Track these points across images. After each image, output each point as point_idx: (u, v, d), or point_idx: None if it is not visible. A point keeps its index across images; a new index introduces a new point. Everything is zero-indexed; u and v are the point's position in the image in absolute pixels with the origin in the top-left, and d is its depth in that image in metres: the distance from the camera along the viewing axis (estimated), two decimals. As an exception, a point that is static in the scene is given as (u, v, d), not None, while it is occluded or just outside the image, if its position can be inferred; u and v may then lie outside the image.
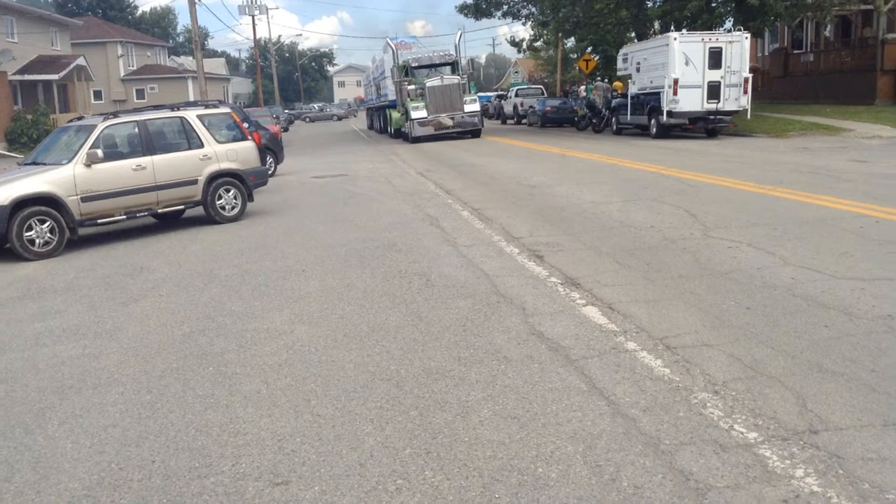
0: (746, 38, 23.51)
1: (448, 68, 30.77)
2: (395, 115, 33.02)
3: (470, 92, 31.71)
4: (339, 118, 76.48)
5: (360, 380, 4.74)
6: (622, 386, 4.34)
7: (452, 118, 29.11)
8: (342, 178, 17.89)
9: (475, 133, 30.08)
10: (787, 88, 37.34)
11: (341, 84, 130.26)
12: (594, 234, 8.79)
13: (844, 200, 9.99)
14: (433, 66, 31.07)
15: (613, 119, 28.33)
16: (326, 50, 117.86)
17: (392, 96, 33.14)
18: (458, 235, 9.28)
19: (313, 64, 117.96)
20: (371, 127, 47.05)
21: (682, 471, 3.40)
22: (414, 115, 28.76)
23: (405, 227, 10.10)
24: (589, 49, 37.70)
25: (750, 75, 23.79)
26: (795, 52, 39.28)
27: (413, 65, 31.15)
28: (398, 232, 9.78)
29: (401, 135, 32.41)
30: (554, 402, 4.19)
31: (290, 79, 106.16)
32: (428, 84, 28.92)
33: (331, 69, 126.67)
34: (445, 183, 15.14)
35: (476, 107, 29.88)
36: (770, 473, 3.34)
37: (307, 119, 75.60)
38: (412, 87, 29.67)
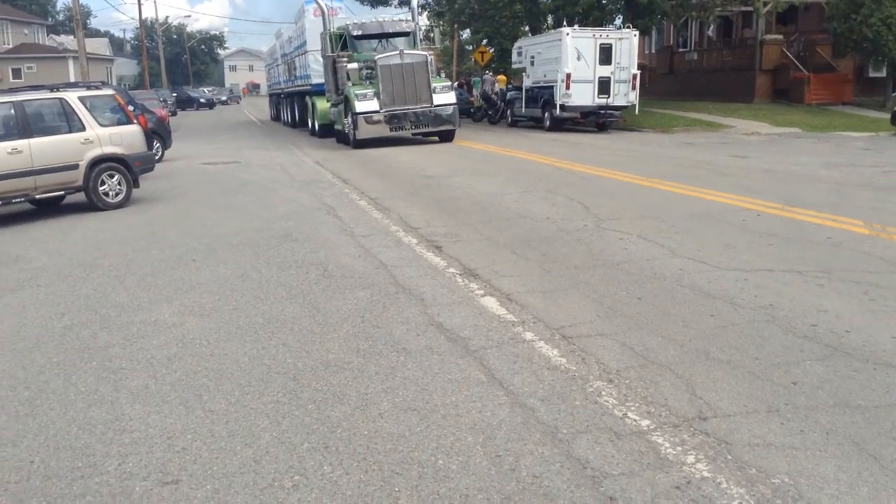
0: (635, 35, 24.26)
1: (403, 40, 21.61)
2: (323, 105, 23.90)
3: (440, 75, 23.84)
4: (215, 104, 68.90)
5: (255, 373, 4.60)
6: (520, 376, 4.38)
7: (416, 113, 19.74)
8: (235, 165, 17.41)
9: (447, 136, 20.85)
10: (672, 85, 38.80)
11: (233, 68, 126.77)
12: (491, 224, 8.86)
13: (727, 194, 10.44)
14: (383, 38, 21.81)
15: (508, 111, 28.69)
16: (217, 33, 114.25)
17: (317, 79, 24.32)
18: (355, 225, 9.17)
19: (203, 47, 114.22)
20: (277, 118, 38.21)
21: (580, 459, 3.45)
22: (360, 106, 19.28)
23: (301, 217, 9.91)
24: (484, 41, 38.09)
25: (638, 72, 24.57)
26: (680, 50, 40.90)
27: (355, 33, 21.71)
28: (294, 221, 9.58)
29: (331, 132, 23.36)
30: (454, 394, 4.18)
31: (179, 61, 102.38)
32: (381, 62, 19.47)
33: (221, 53, 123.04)
34: (342, 172, 14.95)
35: (450, 97, 20.47)
36: (663, 460, 3.43)
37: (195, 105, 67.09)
38: (354, 65, 20.45)
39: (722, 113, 28.13)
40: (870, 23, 26.90)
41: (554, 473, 3.34)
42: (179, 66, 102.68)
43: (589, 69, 23.47)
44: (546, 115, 24.82)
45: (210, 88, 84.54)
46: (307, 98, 26.69)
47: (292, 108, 32.37)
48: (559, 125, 24.34)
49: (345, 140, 21.19)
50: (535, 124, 26.15)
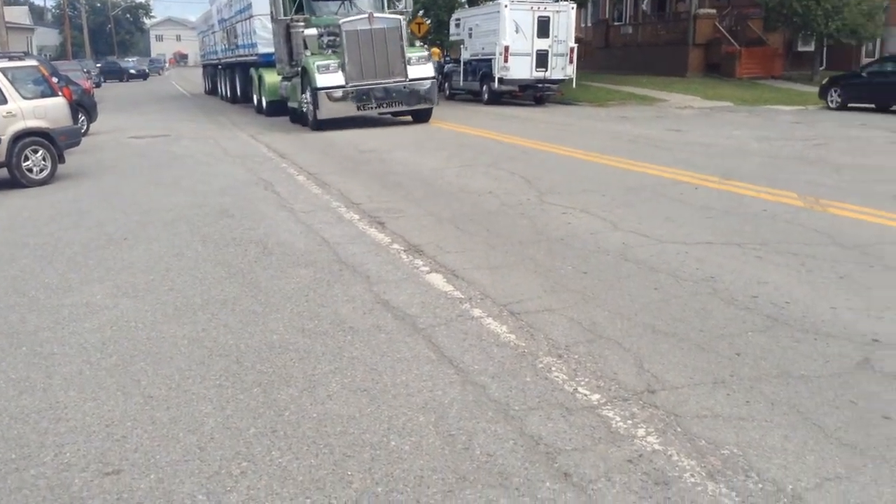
0: (572, 8, 24.30)
1: (368, 2, 18.45)
2: (272, 78, 20.77)
3: (416, 44, 21.22)
4: (148, 74, 65.51)
5: (196, 356, 4.45)
6: (470, 353, 4.34)
7: (388, 89, 16.80)
8: (165, 138, 16.89)
9: (424, 115, 18.06)
10: (608, 59, 39.09)
11: (159, 38, 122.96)
12: (434, 199, 8.78)
13: (665, 167, 10.57)
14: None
15: (446, 84, 28.52)
16: (143, 1, 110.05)
17: (265, 47, 21.23)
18: (295, 201, 8.98)
19: (128, 16, 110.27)
20: (213, 91, 34.48)
21: (533, 436, 3.43)
22: (321, 80, 16.23)
23: (238, 192, 9.66)
24: (420, 12, 37.71)
25: (575, 45, 24.65)
26: (616, 24, 41.20)
27: None
28: (230, 197, 9.33)
29: (282, 110, 20.20)
30: (403, 373, 4.12)
31: (103, 31, 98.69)
32: (346, 27, 16.46)
33: (147, 22, 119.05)
34: (279, 147, 14.64)
35: (429, 69, 17.56)
36: (614, 434, 3.44)
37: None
38: (312, 31, 17.32)
39: (656, 87, 28.49)
40: (799, -2, 27.47)
41: (508, 451, 3.31)
42: (103, 35, 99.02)
43: (527, 42, 23.43)
44: (484, 88, 24.74)
45: (133, 58, 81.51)
46: (252, 70, 23.57)
47: (232, 81, 28.20)
48: (497, 98, 24.30)
49: (301, 120, 18.12)
50: (473, 97, 26.06)
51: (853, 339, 4.39)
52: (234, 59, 26.59)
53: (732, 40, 32.42)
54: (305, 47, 17.36)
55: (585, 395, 3.82)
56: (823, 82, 23.01)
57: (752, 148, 12.97)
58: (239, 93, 26.90)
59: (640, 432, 3.45)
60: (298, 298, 5.41)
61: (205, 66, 38.24)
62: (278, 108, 20.64)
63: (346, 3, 18.20)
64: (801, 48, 33.43)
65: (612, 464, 3.20)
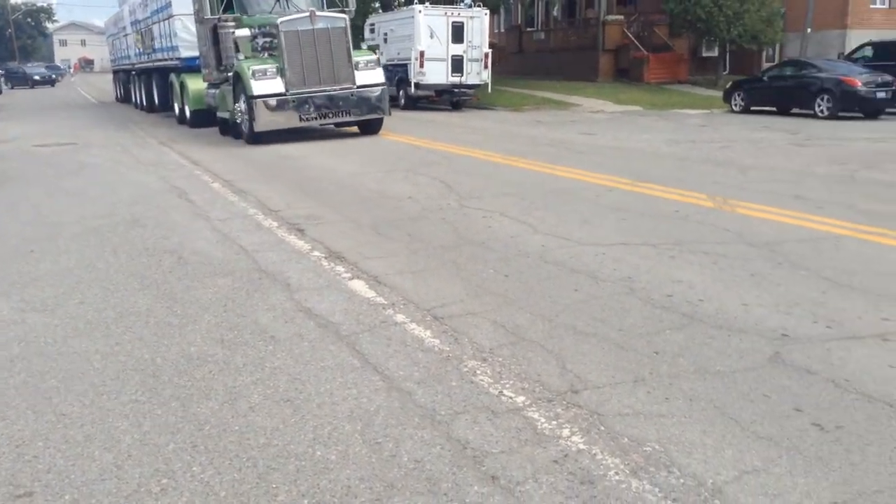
0: (486, 14, 24.59)
1: (306, 0, 16.44)
2: (197, 85, 18.62)
3: (361, 46, 20.29)
4: (56, 80, 62.48)
5: (110, 372, 4.28)
6: (395, 359, 4.32)
7: (334, 97, 15.11)
8: (72, 146, 16.26)
9: (374, 126, 16.50)
10: (521, 64, 39.70)
11: (63, 43, 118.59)
12: (354, 205, 8.72)
13: (580, 170, 10.78)
14: None
15: (362, 89, 28.34)
16: (44, 5, 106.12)
17: (188, 51, 19.07)
18: (210, 209, 8.77)
19: (29, 20, 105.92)
20: (126, 99, 31.85)
21: (459, 440, 3.43)
22: (258, 87, 14.43)
23: (150, 201, 9.37)
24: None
25: (489, 50, 24.95)
26: (528, 29, 41.88)
27: None
28: (142, 206, 9.04)
29: (209, 121, 18.15)
30: (328, 381, 4.06)
31: (2, 36, 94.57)
32: (284, 27, 14.72)
33: (50, 26, 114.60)
34: (192, 154, 14.29)
35: (379, 74, 15.94)
36: (540, 435, 3.47)
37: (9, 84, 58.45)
38: (245, 32, 15.47)
39: (569, 91, 29.07)
40: (703, 4, 28.51)
41: (435, 456, 3.30)
42: (3, 40, 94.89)
43: (442, 47, 23.58)
44: (401, 93, 24.76)
45: (33, 64, 78.08)
46: (172, 76, 21.32)
47: (149, 88, 25.81)
48: (414, 103, 24.36)
49: (232, 131, 16.39)
50: (390, 102, 26.00)
51: (764, 334, 4.55)
52: (150, 64, 24.24)
53: (640, 46, 33.39)
54: (237, 50, 15.50)
55: (510, 397, 3.84)
56: (727, 86, 23.93)
57: (663, 151, 13.37)
58: (157, 101, 24.67)
59: (565, 432, 3.49)
60: (216, 308, 5.27)
61: (116, 72, 35.56)
62: (205, 118, 18.59)
63: (279, 1, 16.26)
64: (705, 53, 34.69)
65: (538, 465, 3.22)
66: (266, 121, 14.69)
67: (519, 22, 42.97)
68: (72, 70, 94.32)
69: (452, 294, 5.45)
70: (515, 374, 4.11)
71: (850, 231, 6.95)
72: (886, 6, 31.92)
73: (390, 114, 16.61)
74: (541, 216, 7.82)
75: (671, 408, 3.69)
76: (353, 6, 17.17)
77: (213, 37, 16.06)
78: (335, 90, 15.12)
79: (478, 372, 4.14)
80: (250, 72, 14.46)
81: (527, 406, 3.75)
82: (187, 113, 20.05)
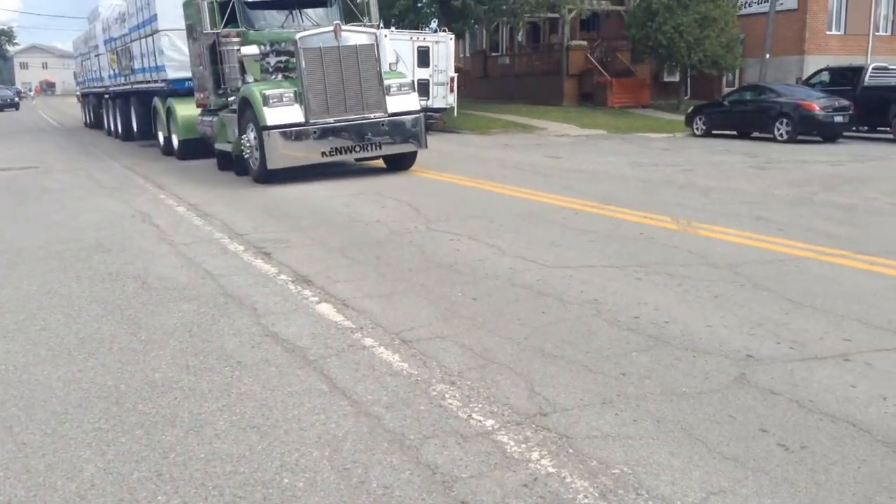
0: (451, 39, 24.81)
1: (323, 12, 14.10)
2: (186, 111, 16.41)
3: (393, 67, 17.24)
4: (17, 102, 59.17)
5: (72, 399, 4.20)
6: (363, 384, 4.29)
7: (364, 127, 12.59)
8: (33, 170, 16.02)
9: (406, 161, 13.75)
10: (487, 88, 40.04)
11: (24, 66, 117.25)
12: (322, 229, 8.69)
13: (547, 193, 10.87)
14: (296, 7, 13.83)
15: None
16: (5, 27, 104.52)
17: (176, 71, 16.81)
18: (175, 233, 8.68)
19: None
20: (97, 125, 28.90)
21: (429, 465, 3.42)
22: (272, 116, 11.97)
23: (114, 226, 9.25)
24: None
25: (455, 74, 25.15)
26: (493, 54, 42.32)
27: None
28: (106, 231, 8.92)
29: (200, 152, 16.10)
30: (295, 407, 4.02)
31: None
32: (304, 44, 12.24)
33: (11, 49, 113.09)
34: (156, 177, 14.16)
35: (412, 101, 13.32)
36: (509, 459, 3.47)
37: None
38: (252, 49, 12.94)
39: (534, 115, 29.36)
40: (664, 30, 29.02)
41: (404, 482, 3.28)
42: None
43: (408, 71, 23.71)
44: (368, 116, 24.74)
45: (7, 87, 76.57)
46: (157, 101, 18.75)
47: (125, 114, 22.82)
48: (381, 127, 24.36)
49: (237, 167, 13.65)
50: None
51: (729, 355, 4.61)
52: (128, 87, 21.49)
53: (603, 71, 33.88)
54: (243, 71, 13.06)
55: (479, 420, 3.84)
56: (689, 111, 24.34)
57: (627, 174, 13.53)
58: (136, 128, 21.73)
59: (535, 455, 3.49)
60: (181, 334, 5.21)
61: (85, 95, 32.19)
62: (195, 148, 16.30)
63: (292, 13, 13.58)
64: (667, 78, 35.26)
65: (508, 489, 3.22)
66: (281, 156, 12.06)
67: (484, 47, 43.41)
68: (33, 93, 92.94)
69: (421, 317, 5.44)
70: (484, 398, 4.10)
71: (810, 253, 7.09)
72: (842, 33, 32.77)
73: (427, 146, 13.71)
74: (509, 239, 7.85)
75: (639, 430, 3.71)
76: (375, 18, 14.58)
77: (212, 55, 13.87)
78: (364, 119, 12.54)
79: (447, 395, 4.14)
80: (262, 97, 11.89)
81: (496, 429, 3.74)
82: (175, 143, 17.63)
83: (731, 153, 17.43)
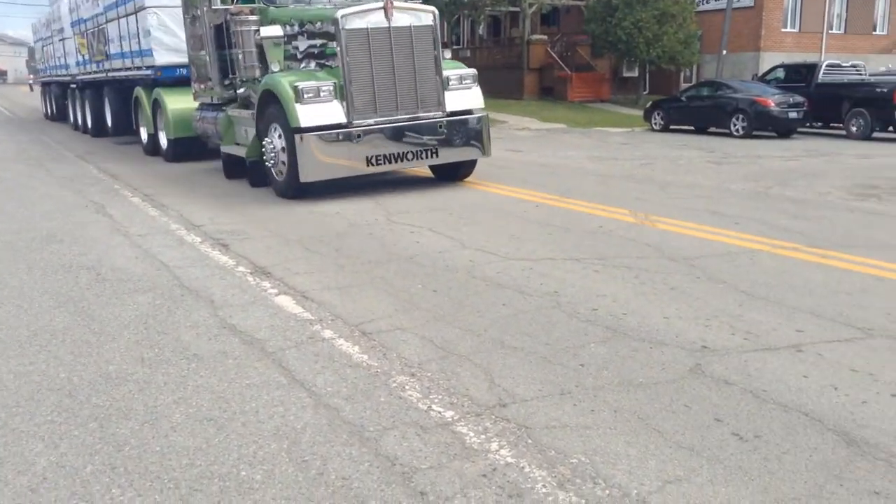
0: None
1: None
2: (179, 104, 14.01)
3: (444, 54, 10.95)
4: None
5: (24, 392, 4.11)
6: (322, 376, 4.27)
7: (416, 129, 10.15)
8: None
9: (464, 169, 11.43)
10: (448, 81, 39.92)
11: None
12: (280, 220, 8.61)
13: (508, 186, 10.90)
14: None
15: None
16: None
17: (168, 56, 14.30)
18: (130, 224, 8.53)
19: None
20: (61, 118, 26.17)
21: (388, 456, 3.41)
22: (307, 115, 9.43)
23: (66, 216, 9.06)
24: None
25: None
26: (455, 47, 42.26)
27: None
28: (58, 221, 8.73)
29: (195, 152, 14.03)
30: (253, 399, 3.98)
31: None
32: (348, 23, 9.59)
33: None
34: (110, 167, 13.89)
35: (475, 97, 10.92)
36: (468, 450, 3.48)
37: None
38: (274, 30, 10.11)
39: (495, 109, 29.32)
40: (623, 26, 29.29)
41: (363, 473, 3.27)
42: None
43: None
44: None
45: None
46: (140, 91, 15.87)
47: (97, 106, 19.85)
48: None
49: (253, 177, 10.89)
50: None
51: (684, 346, 4.68)
52: (100, 76, 18.59)
53: (563, 65, 34.05)
54: (262, 58, 10.17)
55: (439, 412, 3.84)
56: (647, 106, 24.58)
57: (587, 167, 13.64)
58: (110, 123, 19.02)
59: (494, 446, 3.50)
60: (137, 326, 5.12)
61: (46, 85, 29.24)
62: (188, 148, 14.08)
63: None
64: (626, 73, 35.60)
65: (467, 479, 3.23)
66: (318, 166, 9.53)
67: (445, 40, 43.35)
68: None
69: (381, 309, 5.43)
70: (444, 389, 4.11)
71: (764, 246, 7.22)
72: (797, 30, 33.40)
73: (490, 153, 11.30)
74: (469, 231, 7.87)
75: (596, 420, 3.74)
76: None
77: (217, 39, 11.27)
78: (418, 119, 10.07)
79: (406, 387, 4.13)
80: (294, 91, 9.28)
81: (455, 421, 3.75)
82: (162, 141, 14.93)
83: (689, 148, 17.66)
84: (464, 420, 3.76)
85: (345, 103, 9.57)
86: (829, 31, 34.11)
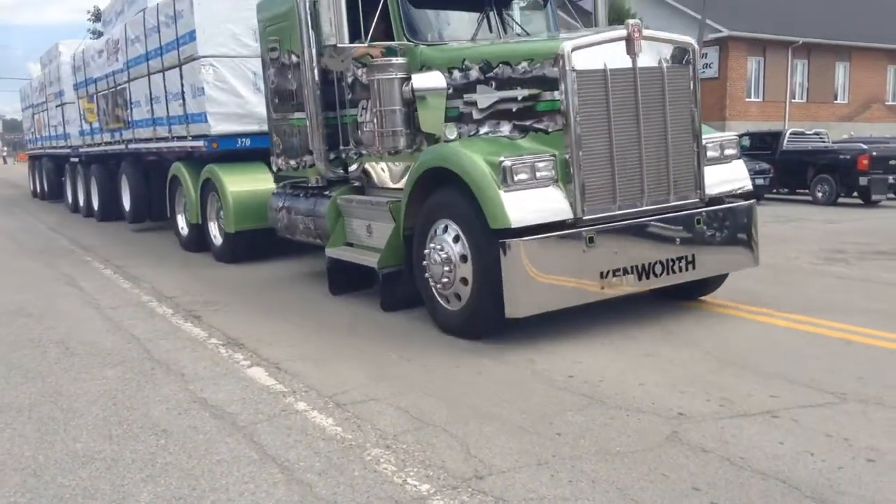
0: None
1: (537, 14, 8.56)
2: (241, 188, 10.50)
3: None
4: None
5: (-15, 473, 3.99)
6: (295, 450, 4.18)
7: (669, 224, 6.44)
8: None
9: (712, 285, 7.41)
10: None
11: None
12: (253, 290, 8.56)
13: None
14: (491, 5, 7.73)
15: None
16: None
17: (226, 123, 10.77)
18: (101, 296, 8.44)
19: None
20: (51, 195, 23.12)
21: (362, 533, 3.33)
22: (517, 208, 5.82)
23: (36, 289, 8.95)
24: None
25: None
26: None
27: None
28: (28, 294, 8.62)
29: (255, 248, 10.66)
30: (223, 476, 3.89)
31: None
32: (580, 61, 6.00)
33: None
34: (81, 239, 13.80)
35: (740, 173, 7.22)
36: (445, 524, 3.41)
37: None
38: (436, 80, 6.78)
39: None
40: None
41: (337, 552, 3.19)
42: None
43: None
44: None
45: None
46: (181, 167, 11.92)
47: (109, 185, 16.28)
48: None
49: (388, 294, 7.32)
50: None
51: (661, 413, 4.66)
52: (118, 148, 14.98)
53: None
54: (407, 121, 7.02)
55: (415, 485, 3.77)
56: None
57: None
58: (128, 206, 15.12)
59: (471, 520, 3.44)
60: (105, 401, 5.02)
61: (36, 158, 25.12)
62: (253, 244, 10.52)
63: (491, 11, 7.73)
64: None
65: (443, 556, 3.16)
66: (535, 288, 6.01)
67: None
68: None
69: (355, 379, 5.37)
70: (419, 461, 4.04)
71: (737, 311, 7.27)
72: (761, 99, 34.41)
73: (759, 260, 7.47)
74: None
75: (574, 491, 3.69)
76: (603, 22, 8.62)
77: (326, 94, 8.09)
78: (668, 211, 6.60)
79: (381, 460, 4.06)
80: (496, 170, 5.96)
81: (431, 495, 3.68)
82: (213, 233, 11.14)
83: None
84: (440, 493, 3.69)
85: (570, 187, 6.07)
86: (792, 100, 35.20)
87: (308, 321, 7.07)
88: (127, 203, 15.20)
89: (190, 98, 11.14)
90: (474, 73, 6.73)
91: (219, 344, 6.37)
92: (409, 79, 6.82)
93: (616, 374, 5.42)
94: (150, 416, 4.73)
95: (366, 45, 7.02)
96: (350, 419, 4.63)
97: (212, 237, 11.20)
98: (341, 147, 8.13)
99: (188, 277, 9.51)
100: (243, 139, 10.80)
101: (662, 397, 4.92)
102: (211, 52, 10.63)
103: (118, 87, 14.40)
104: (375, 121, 7.07)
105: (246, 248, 10.57)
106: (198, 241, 11.57)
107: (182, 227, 12.20)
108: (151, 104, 12.74)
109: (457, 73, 6.81)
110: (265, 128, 9.77)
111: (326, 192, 8.35)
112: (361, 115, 7.65)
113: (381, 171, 7.68)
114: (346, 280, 8.04)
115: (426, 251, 6.52)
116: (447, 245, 6.34)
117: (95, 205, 17.26)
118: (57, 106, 20.16)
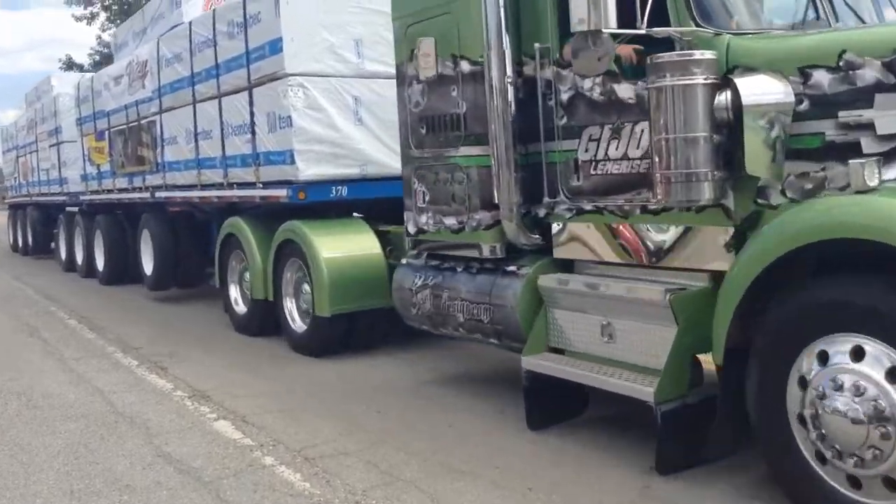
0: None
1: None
2: (338, 253, 7.29)
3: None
4: None
5: (-62, 532, 3.85)
6: (262, 506, 4.10)
7: None
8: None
9: None
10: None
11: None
12: (221, 340, 8.46)
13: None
14: None
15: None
16: None
17: (316, 166, 7.62)
18: (64, 347, 8.29)
19: None
20: (34, 250, 19.93)
21: (331, 593, 3.25)
22: None
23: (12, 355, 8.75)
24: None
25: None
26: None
27: None
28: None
29: (353, 334, 7.52)
30: (188, 533, 3.79)
31: None
32: None
33: None
34: (46, 288, 13.58)
35: None
36: (415, 583, 3.34)
37: None
38: (772, 88, 3.89)
39: None
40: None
41: None
42: None
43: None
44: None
45: None
46: (243, 226, 8.69)
47: (116, 241, 13.46)
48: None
49: (670, 445, 4.36)
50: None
51: (634, 466, 4.62)
52: (138, 196, 12.04)
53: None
54: (719, 154, 4.02)
55: (384, 542, 3.70)
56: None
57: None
58: (151, 269, 11.70)
59: (441, 580, 3.37)
60: (67, 456, 4.90)
61: (18, 208, 22.05)
62: (348, 329, 7.54)
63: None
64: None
65: None
66: None
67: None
68: None
69: (324, 433, 5.30)
70: (389, 518, 3.97)
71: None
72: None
73: None
74: (416, 350, 7.79)
75: (543, 548, 3.64)
76: None
77: (523, 114, 5.23)
78: None
79: (350, 516, 3.99)
80: None
81: (400, 552, 3.61)
82: (292, 316, 7.99)
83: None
84: (410, 552, 3.62)
85: None
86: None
87: (277, 372, 6.98)
88: (148, 266, 11.79)
89: (264, 131, 8.10)
90: (866, 74, 3.74)
91: (185, 396, 6.27)
92: (720, 86, 4.06)
93: (586, 425, 5.38)
94: (112, 471, 4.62)
95: (643, 30, 4.20)
96: (318, 474, 4.56)
97: (289, 319, 8.02)
98: (546, 199, 5.23)
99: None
100: (339, 187, 7.86)
101: (636, 451, 4.90)
102: (302, 68, 7.65)
103: (143, 121, 11.38)
104: (658, 156, 4.23)
105: (339, 334, 7.55)
106: (262, 322, 8.57)
107: (236, 302, 9.15)
108: (196, 140, 9.69)
109: (821, 75, 3.92)
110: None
111: (509, 268, 5.47)
112: (585, 151, 4.93)
113: (637, 240, 4.71)
114: (554, 408, 5.33)
115: (814, 392, 3.55)
116: (870, 384, 3.39)
117: (99, 264, 13.97)
118: (51, 146, 17.02)
